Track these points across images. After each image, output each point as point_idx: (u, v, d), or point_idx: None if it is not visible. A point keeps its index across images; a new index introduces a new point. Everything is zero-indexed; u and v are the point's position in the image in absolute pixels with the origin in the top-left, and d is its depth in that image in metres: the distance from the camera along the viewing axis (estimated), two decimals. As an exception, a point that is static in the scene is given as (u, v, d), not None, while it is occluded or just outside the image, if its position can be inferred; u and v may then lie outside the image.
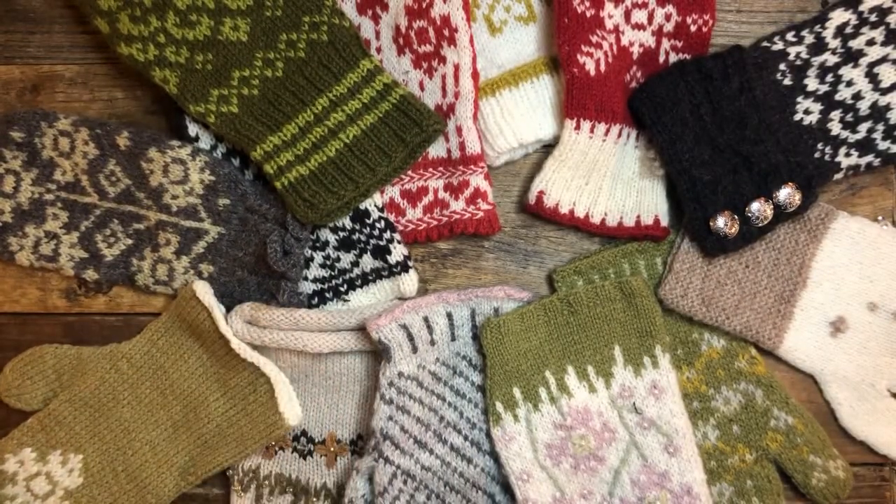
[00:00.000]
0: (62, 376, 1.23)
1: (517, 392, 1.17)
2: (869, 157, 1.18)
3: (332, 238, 1.23)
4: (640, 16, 1.20)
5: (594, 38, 1.19)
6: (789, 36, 1.18)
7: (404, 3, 1.20)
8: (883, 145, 1.18)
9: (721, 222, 1.16)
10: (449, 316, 1.19)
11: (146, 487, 1.20)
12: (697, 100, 1.16)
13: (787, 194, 1.15)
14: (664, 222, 1.21)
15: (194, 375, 1.21)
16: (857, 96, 1.17)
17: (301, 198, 1.17)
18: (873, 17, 1.17)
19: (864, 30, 1.17)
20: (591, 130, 1.19)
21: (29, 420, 1.22)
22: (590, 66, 1.19)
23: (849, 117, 1.17)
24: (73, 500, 1.20)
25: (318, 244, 1.23)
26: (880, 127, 1.17)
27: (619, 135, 1.20)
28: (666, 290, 1.20)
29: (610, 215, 1.20)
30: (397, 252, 1.21)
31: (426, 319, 1.17)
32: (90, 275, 1.24)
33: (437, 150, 1.23)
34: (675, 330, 1.22)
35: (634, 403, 1.16)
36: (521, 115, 1.23)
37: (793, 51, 1.18)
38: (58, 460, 1.20)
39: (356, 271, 1.23)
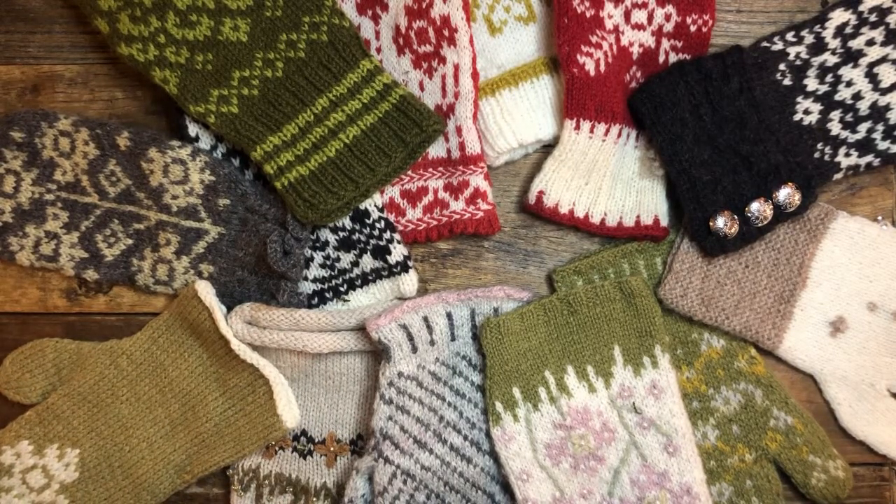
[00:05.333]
0: (61, 370, 1.23)
1: (517, 392, 1.17)
2: (869, 157, 1.18)
3: (332, 238, 1.23)
4: (639, 16, 1.20)
5: (594, 39, 1.19)
6: (789, 36, 1.18)
7: (404, 3, 1.21)
8: (883, 145, 1.18)
9: (721, 222, 1.16)
10: (449, 316, 1.19)
11: (142, 484, 1.20)
12: (697, 100, 1.16)
13: (787, 194, 1.15)
14: (664, 222, 1.21)
15: (194, 374, 1.21)
16: (857, 96, 1.17)
17: (301, 198, 1.17)
18: (873, 17, 1.17)
19: (864, 30, 1.17)
20: (591, 130, 1.19)
21: (27, 413, 1.22)
22: (589, 67, 1.19)
23: (848, 117, 1.17)
24: (69, 495, 1.20)
25: (318, 244, 1.23)
26: (880, 127, 1.17)
27: (619, 135, 1.20)
28: (666, 290, 1.20)
29: (610, 215, 1.20)
30: (397, 252, 1.21)
31: (426, 319, 1.17)
32: (90, 275, 1.24)
33: (436, 150, 1.23)
34: (675, 330, 1.22)
35: (634, 403, 1.16)
36: (521, 116, 1.23)
37: (792, 51, 1.18)
38: (54, 454, 1.21)
39: (356, 271, 1.23)
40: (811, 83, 1.18)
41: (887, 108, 1.17)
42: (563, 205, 1.20)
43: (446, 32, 1.19)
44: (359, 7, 1.23)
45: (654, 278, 1.23)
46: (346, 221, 1.22)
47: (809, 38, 1.18)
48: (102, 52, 1.27)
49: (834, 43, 1.17)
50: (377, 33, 1.23)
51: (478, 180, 1.21)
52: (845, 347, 1.20)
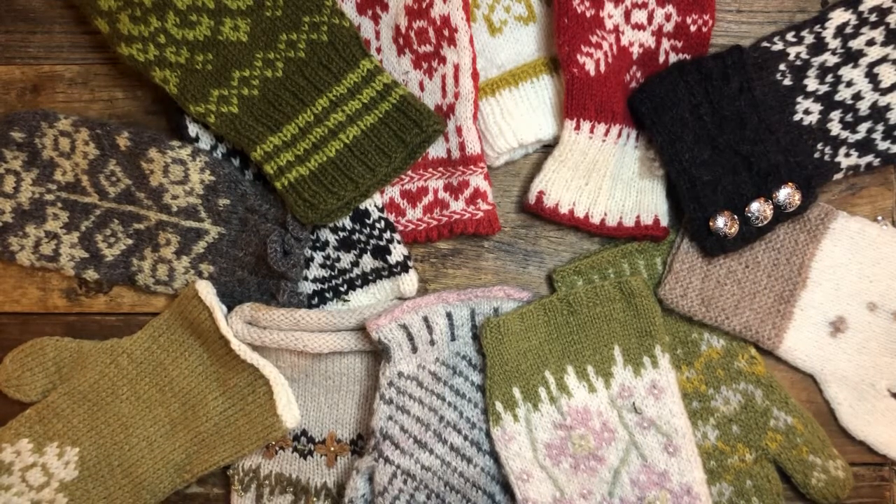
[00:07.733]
0: (62, 369, 1.23)
1: (517, 392, 1.17)
2: (869, 157, 1.18)
3: (332, 238, 1.23)
4: (639, 16, 1.20)
5: (594, 39, 1.19)
6: (789, 36, 1.18)
7: (404, 3, 1.21)
8: (883, 145, 1.18)
9: (721, 222, 1.16)
10: (449, 316, 1.19)
11: (141, 483, 1.20)
12: (697, 100, 1.16)
13: (787, 194, 1.15)
14: (664, 222, 1.21)
15: (194, 374, 1.21)
16: (857, 96, 1.17)
17: (301, 198, 1.17)
18: (873, 17, 1.17)
19: (864, 30, 1.17)
20: (591, 130, 1.19)
21: (27, 411, 1.22)
22: (590, 67, 1.19)
23: (849, 117, 1.17)
24: (68, 493, 1.20)
25: (318, 244, 1.23)
26: (880, 127, 1.17)
27: (619, 135, 1.20)
28: (666, 290, 1.20)
29: (610, 215, 1.20)
30: (397, 252, 1.21)
31: (426, 319, 1.17)
32: (90, 275, 1.24)
33: (436, 150, 1.23)
34: (675, 330, 1.22)
35: (634, 403, 1.16)
36: (521, 116, 1.23)
37: (793, 51, 1.18)
38: (54, 452, 1.21)
39: (356, 271, 1.23)
40: (811, 83, 1.18)
41: (887, 108, 1.17)
42: (563, 205, 1.20)
43: (446, 32, 1.19)
44: (359, 7, 1.23)
45: (654, 278, 1.23)
46: (346, 221, 1.22)
47: (809, 38, 1.18)
48: (102, 52, 1.27)
49: (834, 43, 1.17)
50: (377, 33, 1.23)
51: (478, 180, 1.21)
52: (845, 347, 1.20)
